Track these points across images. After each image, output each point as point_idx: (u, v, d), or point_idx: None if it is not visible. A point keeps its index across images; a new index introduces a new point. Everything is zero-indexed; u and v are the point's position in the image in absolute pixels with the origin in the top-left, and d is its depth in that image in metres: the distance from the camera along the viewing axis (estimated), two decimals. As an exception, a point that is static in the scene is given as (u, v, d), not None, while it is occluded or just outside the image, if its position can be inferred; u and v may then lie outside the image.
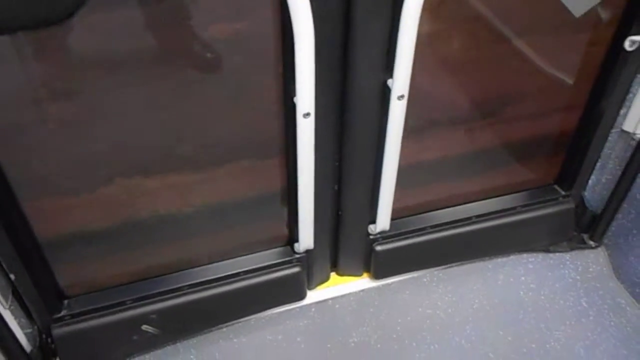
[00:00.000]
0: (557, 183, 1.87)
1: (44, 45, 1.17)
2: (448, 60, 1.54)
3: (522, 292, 1.81)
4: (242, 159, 1.50)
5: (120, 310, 1.56)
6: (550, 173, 1.87)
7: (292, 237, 1.67)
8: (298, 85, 1.29)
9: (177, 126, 1.39)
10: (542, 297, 1.80)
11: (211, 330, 1.69)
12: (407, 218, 1.76)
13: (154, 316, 1.59)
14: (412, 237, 1.75)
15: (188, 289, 1.60)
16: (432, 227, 1.76)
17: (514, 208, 1.82)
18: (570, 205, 1.86)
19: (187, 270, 1.63)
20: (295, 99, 1.32)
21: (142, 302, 1.58)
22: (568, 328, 1.72)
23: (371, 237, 1.73)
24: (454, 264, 1.86)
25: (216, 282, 1.62)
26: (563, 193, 1.85)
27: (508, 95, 1.68)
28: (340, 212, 1.66)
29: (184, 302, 1.60)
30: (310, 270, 1.74)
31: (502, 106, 1.68)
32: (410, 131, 1.50)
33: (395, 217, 1.70)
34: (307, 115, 1.34)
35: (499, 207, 1.81)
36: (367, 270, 1.82)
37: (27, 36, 1.13)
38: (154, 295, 1.58)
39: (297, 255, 1.68)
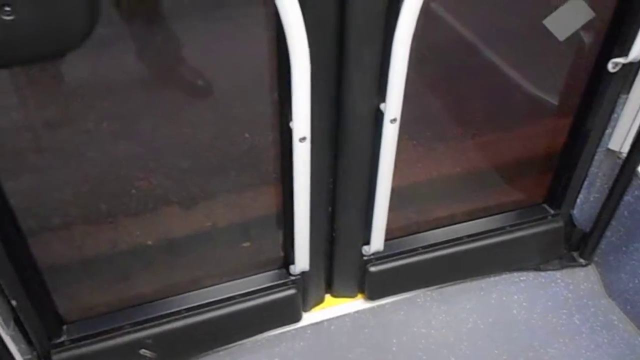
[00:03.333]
0: (546, 202, 1.91)
1: (38, 76, 1.19)
2: (436, 83, 1.58)
3: (515, 311, 1.83)
4: (238, 183, 1.52)
5: (119, 335, 1.57)
6: (539, 192, 1.90)
7: (288, 259, 1.68)
8: (294, 110, 1.31)
9: (173, 153, 1.41)
10: (535, 315, 1.82)
11: (208, 354, 1.70)
12: (400, 239, 1.79)
13: (151, 340, 1.59)
14: (405, 257, 1.77)
15: (185, 312, 1.61)
16: (424, 247, 1.78)
17: (503, 227, 1.84)
18: (559, 223, 1.89)
19: (184, 294, 1.63)
20: (291, 124, 1.35)
21: (139, 326, 1.58)
22: (562, 345, 1.74)
23: (365, 258, 1.75)
24: (447, 284, 1.88)
25: (212, 305, 1.63)
26: (552, 212, 1.88)
27: (496, 116, 1.72)
28: (334, 234, 1.68)
29: (181, 326, 1.61)
30: (305, 292, 1.75)
31: (490, 127, 1.72)
32: (402, 152, 1.53)
33: (388, 238, 1.72)
34: (303, 139, 1.36)
35: (489, 227, 1.83)
36: (362, 291, 1.84)
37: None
38: (151, 320, 1.59)
39: (293, 278, 1.69)
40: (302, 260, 1.63)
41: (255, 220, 1.62)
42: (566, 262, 1.95)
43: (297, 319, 1.77)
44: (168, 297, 1.63)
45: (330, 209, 1.62)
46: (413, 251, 1.77)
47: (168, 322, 1.60)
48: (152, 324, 1.58)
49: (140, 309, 1.60)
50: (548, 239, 1.90)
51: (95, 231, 1.46)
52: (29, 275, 1.41)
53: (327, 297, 1.85)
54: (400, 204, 1.69)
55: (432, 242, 1.78)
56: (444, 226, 1.82)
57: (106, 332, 1.56)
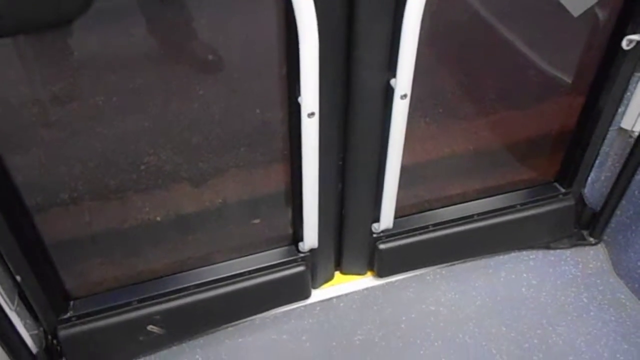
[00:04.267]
0: (557, 181, 1.89)
1: (46, 47, 1.18)
2: (448, 60, 1.56)
3: (523, 289, 1.83)
4: (247, 159, 1.51)
5: (126, 311, 1.57)
6: (550, 171, 1.89)
7: (297, 236, 1.68)
8: (302, 85, 1.30)
9: (181, 128, 1.40)
10: (544, 294, 1.82)
11: (217, 330, 1.70)
12: (409, 216, 1.78)
13: (159, 317, 1.60)
14: (415, 235, 1.76)
15: (193, 289, 1.61)
16: (434, 225, 1.77)
17: (514, 206, 1.83)
18: (570, 202, 1.88)
19: (192, 271, 1.64)
20: (299, 99, 1.33)
21: (147, 302, 1.58)
22: (570, 323, 1.74)
23: (374, 235, 1.74)
24: (456, 262, 1.88)
25: (221, 281, 1.63)
26: (563, 190, 1.87)
27: (508, 94, 1.70)
28: (343, 211, 1.68)
29: (189, 303, 1.61)
30: (314, 269, 1.75)
31: (502, 105, 1.70)
32: (412, 129, 1.52)
33: (398, 215, 1.72)
34: (311, 115, 1.35)
35: (500, 205, 1.82)
36: (371, 268, 1.84)
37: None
38: (159, 296, 1.59)
39: (302, 255, 1.69)
40: (311, 237, 1.63)
41: (265, 197, 1.62)
42: (575, 240, 1.95)
43: (306, 295, 1.77)
44: (176, 273, 1.63)
45: (339, 185, 1.62)
46: (423, 229, 1.77)
47: (176, 298, 1.60)
48: (160, 300, 1.59)
49: (148, 285, 1.60)
50: (558, 217, 1.89)
51: (103, 207, 1.46)
52: (34, 250, 1.41)
53: (337, 274, 1.85)
54: (411, 181, 1.68)
55: (443, 219, 1.78)
56: (454, 204, 1.82)
57: (113, 308, 1.56)
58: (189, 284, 1.61)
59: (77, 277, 1.56)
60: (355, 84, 1.40)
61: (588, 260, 1.91)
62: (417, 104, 1.45)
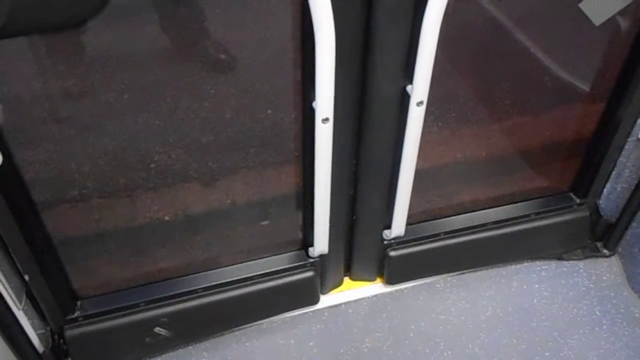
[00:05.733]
0: (572, 191, 1.86)
1: (59, 45, 1.17)
2: (463, 64, 1.54)
3: (535, 300, 1.80)
4: (259, 163, 1.49)
5: (133, 313, 1.56)
6: (566, 180, 1.86)
7: (307, 241, 1.66)
8: (318, 90, 1.28)
9: (193, 129, 1.38)
10: (556, 305, 1.79)
11: (223, 334, 1.69)
12: (421, 224, 1.76)
13: (166, 319, 1.58)
14: (426, 243, 1.74)
15: (202, 292, 1.60)
16: (446, 233, 1.75)
17: (528, 215, 1.81)
18: (584, 213, 1.85)
19: (201, 273, 1.62)
20: (314, 104, 1.31)
21: (155, 304, 1.57)
22: (582, 337, 1.72)
23: (385, 242, 1.72)
24: (467, 271, 1.85)
25: (229, 285, 1.62)
26: (578, 201, 1.84)
27: (526, 101, 1.67)
28: (355, 217, 1.66)
29: (197, 305, 1.60)
30: (323, 275, 1.73)
31: (520, 112, 1.68)
32: (425, 134, 1.50)
33: (409, 222, 1.70)
34: (325, 120, 1.33)
35: (513, 214, 1.80)
36: (381, 275, 1.82)
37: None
38: (167, 298, 1.58)
39: (311, 260, 1.67)
40: (321, 243, 1.61)
41: (275, 199, 1.60)
42: (589, 252, 1.92)
43: (315, 301, 1.76)
44: (185, 275, 1.62)
45: (351, 191, 1.60)
46: (435, 236, 1.74)
47: (184, 300, 1.59)
48: (168, 302, 1.57)
49: (156, 286, 1.59)
50: (572, 228, 1.86)
51: (111, 205, 1.44)
52: (42, 249, 1.40)
53: (346, 280, 1.83)
54: (423, 187, 1.66)
55: (454, 228, 1.75)
56: (467, 212, 1.79)
57: (121, 308, 1.55)
58: (197, 287, 1.60)
59: (85, 277, 1.55)
60: (370, 89, 1.38)
61: (602, 273, 1.88)
62: (431, 107, 1.43)
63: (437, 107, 1.53)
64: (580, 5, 1.42)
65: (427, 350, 1.67)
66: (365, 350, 1.67)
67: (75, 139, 1.31)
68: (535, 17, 1.51)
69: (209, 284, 1.61)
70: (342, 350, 1.67)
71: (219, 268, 1.64)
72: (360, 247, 1.73)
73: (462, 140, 1.68)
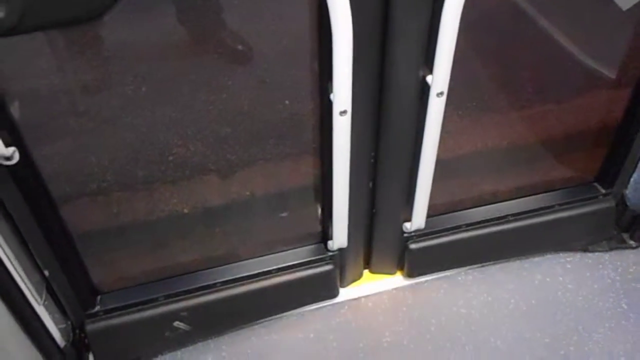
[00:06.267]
0: (598, 181, 1.82)
1: (76, 38, 1.16)
2: (487, 53, 1.50)
3: (559, 293, 1.77)
4: (277, 156, 1.47)
5: (153, 307, 1.55)
6: (591, 170, 1.81)
7: (326, 234, 1.64)
8: (335, 82, 1.25)
9: (210, 122, 1.37)
10: (580, 298, 1.75)
11: (243, 327, 1.68)
12: (442, 216, 1.73)
13: (185, 313, 1.58)
14: (447, 235, 1.71)
15: (221, 285, 1.59)
16: (467, 225, 1.72)
17: (552, 206, 1.77)
18: (610, 203, 1.80)
19: (220, 267, 1.61)
20: (331, 96, 1.29)
21: (174, 298, 1.57)
22: (607, 330, 1.68)
23: (405, 235, 1.70)
24: (489, 263, 1.82)
25: (249, 279, 1.61)
26: (603, 191, 1.79)
27: (549, 89, 1.63)
28: (374, 210, 1.63)
29: (216, 299, 1.59)
30: (343, 268, 1.71)
31: (542, 100, 1.64)
32: (445, 124, 1.46)
33: (429, 214, 1.67)
34: (343, 113, 1.31)
35: (536, 206, 1.76)
36: (401, 268, 1.79)
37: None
38: (186, 292, 1.57)
39: (330, 253, 1.65)
40: (340, 236, 1.59)
41: (293, 192, 1.58)
42: (615, 243, 1.87)
43: (334, 294, 1.74)
44: (204, 269, 1.61)
45: (371, 184, 1.57)
46: (456, 229, 1.71)
47: (203, 295, 1.58)
48: (187, 296, 1.57)
49: (175, 280, 1.59)
50: (598, 219, 1.81)
51: (130, 199, 1.44)
52: (62, 245, 1.40)
53: (366, 272, 1.82)
54: (444, 178, 1.62)
55: (476, 220, 1.72)
56: (489, 204, 1.75)
57: (140, 303, 1.55)
58: (216, 281, 1.59)
59: (104, 271, 1.55)
60: (389, 80, 1.35)
61: (628, 265, 1.83)
62: (451, 97, 1.39)
63: (459, 95, 1.49)
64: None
65: (448, 345, 1.65)
66: (385, 344, 1.65)
67: (91, 134, 1.30)
68: (561, 3, 1.46)
69: (228, 278, 1.60)
70: (361, 345, 1.65)
71: (238, 262, 1.63)
72: (380, 240, 1.71)
73: (484, 129, 1.65)
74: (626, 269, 1.83)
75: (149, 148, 1.37)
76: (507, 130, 1.66)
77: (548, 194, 1.79)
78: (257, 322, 1.69)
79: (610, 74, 1.61)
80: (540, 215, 1.76)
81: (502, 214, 1.74)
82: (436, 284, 1.79)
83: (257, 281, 1.62)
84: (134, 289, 1.57)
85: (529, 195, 1.78)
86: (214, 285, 1.59)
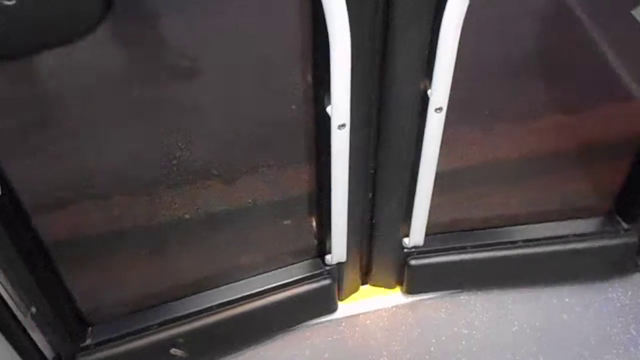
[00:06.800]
0: (619, 213, 1.72)
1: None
2: (494, 64, 1.44)
3: (565, 315, 1.71)
4: (272, 170, 1.43)
5: (147, 335, 1.51)
6: (612, 200, 1.72)
7: (323, 248, 1.61)
8: (333, 95, 1.22)
9: (203, 134, 1.32)
10: (587, 322, 1.69)
11: (240, 350, 1.64)
12: (446, 234, 1.67)
13: (182, 339, 1.53)
14: (451, 254, 1.66)
15: (217, 308, 1.55)
16: (473, 246, 1.66)
17: (566, 236, 1.68)
18: (632, 239, 1.69)
19: (214, 289, 1.57)
20: (329, 110, 1.25)
21: (168, 325, 1.52)
22: (615, 357, 1.62)
23: (405, 250, 1.65)
24: (493, 288, 1.76)
25: (245, 299, 1.57)
26: (625, 226, 1.70)
27: (565, 109, 1.55)
28: (373, 223, 1.59)
29: (213, 323, 1.55)
30: (341, 282, 1.67)
31: (559, 122, 1.56)
32: (451, 140, 1.42)
33: (434, 232, 1.63)
34: (342, 126, 1.27)
35: (550, 234, 1.68)
36: (400, 283, 1.75)
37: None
38: (180, 318, 1.53)
39: (328, 268, 1.62)
40: (339, 251, 1.56)
41: (290, 206, 1.54)
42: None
43: (333, 309, 1.70)
44: (198, 293, 1.57)
45: (369, 197, 1.53)
46: (461, 249, 1.66)
47: (199, 319, 1.53)
48: (182, 322, 1.52)
49: (168, 306, 1.55)
50: (616, 255, 1.72)
51: (115, 225, 1.38)
52: (48, 281, 1.36)
53: (365, 287, 1.77)
54: (449, 193, 1.58)
55: (482, 241, 1.66)
56: (498, 226, 1.69)
57: (134, 332, 1.50)
58: (211, 304, 1.55)
59: (94, 302, 1.50)
60: (388, 93, 1.31)
61: (639, 289, 1.77)
62: (455, 111, 1.35)
63: (463, 111, 1.44)
64: (634, 12, 1.32)
65: (448, 366, 1.60)
66: (383, 363, 1.61)
67: (73, 156, 1.23)
68: (574, 6, 1.39)
69: (223, 300, 1.56)
70: (358, 363, 1.61)
71: (234, 282, 1.59)
72: (379, 254, 1.66)
73: (492, 143, 1.57)
74: (636, 293, 1.76)
75: (133, 166, 1.31)
76: (522, 149, 1.58)
77: (564, 222, 1.71)
78: (255, 342, 1.65)
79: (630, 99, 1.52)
80: (554, 244, 1.68)
81: (513, 239, 1.68)
82: (438, 303, 1.74)
83: (254, 301, 1.57)
84: (126, 318, 1.53)
85: (542, 222, 1.71)
86: (210, 308, 1.55)
